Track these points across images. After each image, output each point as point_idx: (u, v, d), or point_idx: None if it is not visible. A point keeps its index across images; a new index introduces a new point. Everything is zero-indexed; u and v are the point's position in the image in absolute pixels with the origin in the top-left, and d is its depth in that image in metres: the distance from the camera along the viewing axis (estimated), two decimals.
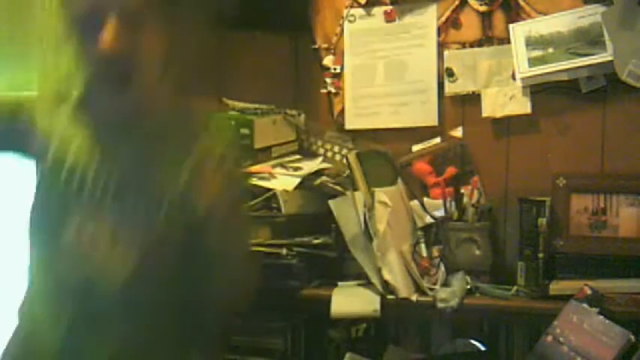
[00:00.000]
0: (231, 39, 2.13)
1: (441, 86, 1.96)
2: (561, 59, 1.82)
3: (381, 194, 1.74)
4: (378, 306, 1.68)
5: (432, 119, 1.97)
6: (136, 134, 1.26)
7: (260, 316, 1.90)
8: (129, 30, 1.13)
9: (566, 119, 1.88)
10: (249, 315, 1.89)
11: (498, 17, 1.91)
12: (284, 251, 1.74)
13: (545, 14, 1.86)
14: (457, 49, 1.95)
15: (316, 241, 1.78)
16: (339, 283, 1.82)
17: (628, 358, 1.43)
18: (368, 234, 1.70)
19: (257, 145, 1.86)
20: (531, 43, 1.85)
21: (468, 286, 1.73)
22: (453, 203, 1.85)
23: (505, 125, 1.92)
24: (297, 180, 1.83)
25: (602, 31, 1.78)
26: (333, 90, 2.05)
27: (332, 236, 1.80)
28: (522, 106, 1.88)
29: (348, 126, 2.05)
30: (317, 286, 1.81)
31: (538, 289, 1.68)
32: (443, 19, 1.95)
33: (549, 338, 1.54)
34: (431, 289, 1.72)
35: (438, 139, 1.97)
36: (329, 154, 2.05)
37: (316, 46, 2.06)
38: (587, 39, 1.80)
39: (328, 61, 2.06)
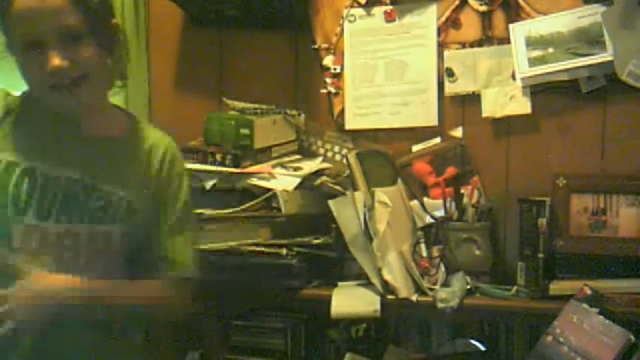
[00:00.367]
0: (231, 39, 2.14)
1: (441, 86, 1.96)
2: (561, 59, 1.82)
3: (381, 194, 1.74)
4: (378, 306, 1.68)
5: (432, 119, 1.97)
6: (87, 136, 1.33)
7: (260, 316, 1.90)
8: (69, 45, 1.22)
9: (566, 119, 1.88)
10: (249, 315, 1.90)
11: (498, 17, 1.91)
12: (284, 251, 1.74)
13: (545, 14, 1.86)
14: (457, 49, 1.95)
15: (316, 241, 1.78)
16: (339, 283, 1.82)
17: (628, 358, 1.43)
18: (368, 234, 1.70)
19: (257, 145, 1.86)
20: (531, 43, 1.85)
21: (468, 286, 1.73)
22: (453, 203, 1.85)
23: (505, 125, 1.92)
24: (297, 180, 1.83)
25: (602, 31, 1.78)
26: (333, 90, 2.05)
27: (332, 236, 1.80)
28: (522, 106, 1.88)
29: (348, 126, 2.05)
30: (317, 286, 1.81)
31: (538, 289, 1.68)
32: (443, 19, 1.95)
33: (549, 338, 1.54)
34: (431, 289, 1.72)
35: (438, 139, 1.97)
36: (329, 154, 2.05)
37: (316, 46, 2.06)
38: (587, 39, 1.80)
39: (328, 61, 2.06)
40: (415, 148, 1.98)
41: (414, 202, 1.91)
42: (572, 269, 1.73)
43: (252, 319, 1.90)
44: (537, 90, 1.88)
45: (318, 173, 1.91)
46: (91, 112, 1.33)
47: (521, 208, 1.79)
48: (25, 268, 1.24)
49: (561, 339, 1.52)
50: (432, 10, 1.96)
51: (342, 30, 2.04)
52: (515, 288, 1.73)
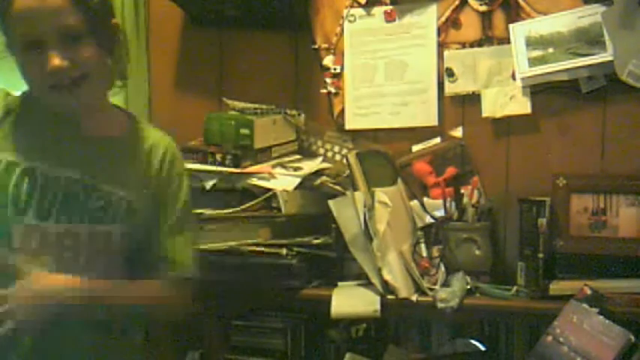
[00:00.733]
0: (231, 39, 2.14)
1: (441, 86, 1.96)
2: (561, 59, 1.82)
3: (381, 194, 1.74)
4: (378, 306, 1.68)
5: (432, 119, 1.97)
6: (87, 135, 1.33)
7: (260, 316, 1.90)
8: (68, 45, 1.22)
9: (566, 119, 1.88)
10: (249, 315, 1.90)
11: (498, 17, 1.91)
12: (284, 251, 1.74)
13: (545, 14, 1.86)
14: (457, 49, 1.95)
15: (316, 241, 1.78)
16: (339, 283, 1.82)
17: (628, 358, 1.43)
18: (368, 234, 1.70)
19: (257, 145, 1.86)
20: (531, 43, 1.85)
21: (468, 286, 1.73)
22: (453, 203, 1.85)
23: (505, 125, 1.92)
24: (297, 180, 1.83)
25: (602, 31, 1.77)
26: (333, 90, 2.05)
27: (332, 236, 1.80)
28: (522, 106, 1.88)
29: (348, 126, 2.05)
30: (317, 286, 1.81)
31: (538, 289, 1.68)
32: (443, 19, 1.95)
33: (549, 338, 1.54)
34: (431, 289, 1.72)
35: (438, 139, 1.97)
36: (329, 154, 2.05)
37: (316, 46, 2.06)
38: (587, 39, 1.80)
39: (328, 61, 2.06)
40: (415, 148, 1.98)
41: (414, 202, 1.91)
42: (572, 269, 1.73)
43: (252, 319, 1.90)
44: (537, 90, 1.88)
45: (318, 173, 1.91)
46: (91, 112, 1.33)
47: (521, 208, 1.79)
48: (25, 268, 1.24)
49: (561, 339, 1.52)
50: (432, 10, 1.96)
51: (342, 30, 2.04)
52: (515, 288, 1.73)
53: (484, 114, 1.92)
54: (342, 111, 2.05)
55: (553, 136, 1.89)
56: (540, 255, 1.69)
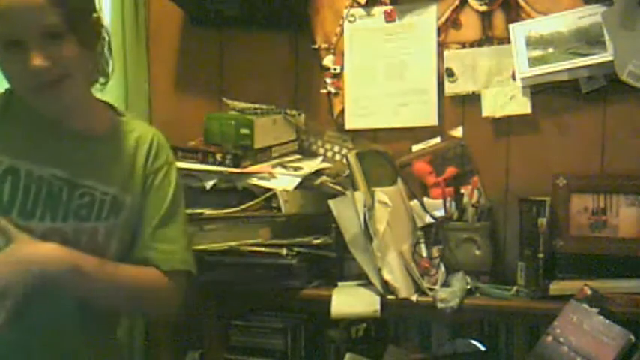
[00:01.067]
0: (231, 39, 2.14)
1: (441, 86, 1.96)
2: (561, 59, 1.82)
3: (381, 194, 1.74)
4: (378, 306, 1.68)
5: (432, 119, 1.97)
6: (69, 133, 1.32)
7: (260, 316, 1.90)
8: (49, 44, 1.20)
9: (566, 119, 1.88)
10: (249, 315, 1.91)
11: (498, 17, 1.91)
12: (284, 251, 1.74)
13: (545, 14, 1.86)
14: (457, 49, 1.95)
15: (316, 241, 1.78)
16: (339, 283, 1.82)
17: (628, 358, 1.43)
18: (368, 234, 1.70)
19: (257, 145, 1.86)
20: (531, 43, 1.85)
21: (468, 286, 1.73)
22: (453, 203, 1.85)
23: (505, 125, 1.92)
24: (297, 180, 1.83)
25: (602, 31, 1.77)
26: (333, 90, 2.05)
27: (332, 236, 1.80)
28: (522, 106, 1.88)
29: (348, 126, 2.05)
30: (317, 286, 1.81)
31: (538, 289, 1.68)
32: (443, 19, 1.95)
33: (549, 338, 1.54)
34: (431, 289, 1.72)
35: (438, 139, 1.97)
36: (329, 154, 2.05)
37: (316, 46, 2.06)
38: (587, 39, 1.80)
39: (328, 61, 2.06)
40: (415, 148, 1.98)
41: (414, 202, 1.91)
42: (572, 269, 1.73)
43: (252, 319, 1.90)
44: (537, 90, 1.87)
45: (318, 173, 1.91)
46: (74, 110, 1.31)
47: (521, 208, 1.79)
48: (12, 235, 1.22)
49: (561, 339, 1.52)
50: (432, 10, 1.96)
51: (342, 30, 2.04)
52: (515, 288, 1.73)
53: (484, 114, 1.92)
54: (342, 111, 2.05)
55: (553, 136, 1.89)
56: (540, 255, 1.69)
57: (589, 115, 1.86)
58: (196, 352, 1.94)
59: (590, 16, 1.80)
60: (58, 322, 1.29)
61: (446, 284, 1.75)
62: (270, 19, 2.07)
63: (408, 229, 1.86)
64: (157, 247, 1.37)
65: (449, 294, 1.67)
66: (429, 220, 1.89)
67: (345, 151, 2.01)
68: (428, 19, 1.97)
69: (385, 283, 1.69)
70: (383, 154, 1.93)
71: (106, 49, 1.37)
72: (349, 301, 1.73)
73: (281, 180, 1.82)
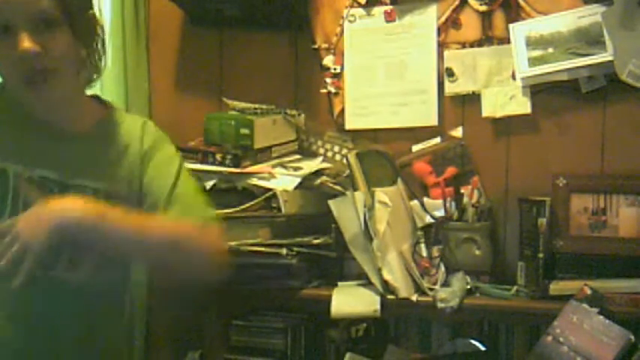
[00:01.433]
0: (231, 39, 2.14)
1: (441, 86, 1.96)
2: (561, 59, 1.82)
3: (381, 194, 1.74)
4: (378, 306, 1.68)
5: (432, 119, 1.97)
6: (58, 127, 1.29)
7: (260, 316, 1.90)
8: (41, 31, 1.18)
9: (566, 119, 1.88)
10: (249, 315, 1.90)
11: (498, 17, 1.91)
12: (284, 251, 1.74)
13: (545, 14, 1.86)
14: (457, 49, 1.95)
15: (316, 241, 1.78)
16: (339, 283, 1.82)
17: (628, 358, 1.43)
18: (368, 234, 1.70)
19: (257, 145, 1.86)
20: (531, 43, 1.85)
21: (468, 286, 1.73)
22: (453, 203, 1.85)
23: (505, 125, 1.92)
24: (297, 180, 1.83)
25: (602, 31, 1.77)
26: (333, 90, 2.05)
27: (332, 236, 1.80)
28: (522, 106, 1.88)
29: (348, 126, 2.05)
30: (317, 286, 1.81)
31: (538, 289, 1.68)
32: (443, 19, 1.95)
33: (549, 338, 1.54)
34: (431, 289, 1.72)
35: (438, 139, 1.97)
36: (329, 154, 2.05)
37: (316, 46, 2.06)
38: (587, 39, 1.80)
39: (328, 61, 2.05)
40: (415, 148, 1.98)
41: (414, 202, 1.91)
42: (572, 269, 1.73)
43: (252, 319, 1.90)
44: (537, 90, 1.88)
45: (318, 173, 1.91)
46: (63, 108, 1.29)
47: (521, 208, 1.79)
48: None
49: (561, 339, 1.52)
50: (432, 10, 1.96)
51: (342, 30, 2.04)
52: (515, 288, 1.73)
53: (484, 114, 1.92)
54: (342, 111, 2.05)
55: (553, 136, 1.89)
56: (540, 255, 1.69)
57: (589, 115, 1.86)
58: (196, 352, 1.94)
59: (590, 16, 1.80)
60: (58, 322, 1.27)
61: (446, 284, 1.75)
62: (270, 19, 2.07)
63: (408, 229, 1.86)
64: (177, 206, 1.31)
65: (449, 294, 1.67)
66: (429, 220, 1.89)
67: (345, 151, 2.01)
68: (428, 19, 1.97)
69: (385, 283, 1.69)
70: (383, 154, 1.93)
71: (100, 47, 1.34)
72: (349, 301, 1.73)
73: (281, 180, 1.82)
